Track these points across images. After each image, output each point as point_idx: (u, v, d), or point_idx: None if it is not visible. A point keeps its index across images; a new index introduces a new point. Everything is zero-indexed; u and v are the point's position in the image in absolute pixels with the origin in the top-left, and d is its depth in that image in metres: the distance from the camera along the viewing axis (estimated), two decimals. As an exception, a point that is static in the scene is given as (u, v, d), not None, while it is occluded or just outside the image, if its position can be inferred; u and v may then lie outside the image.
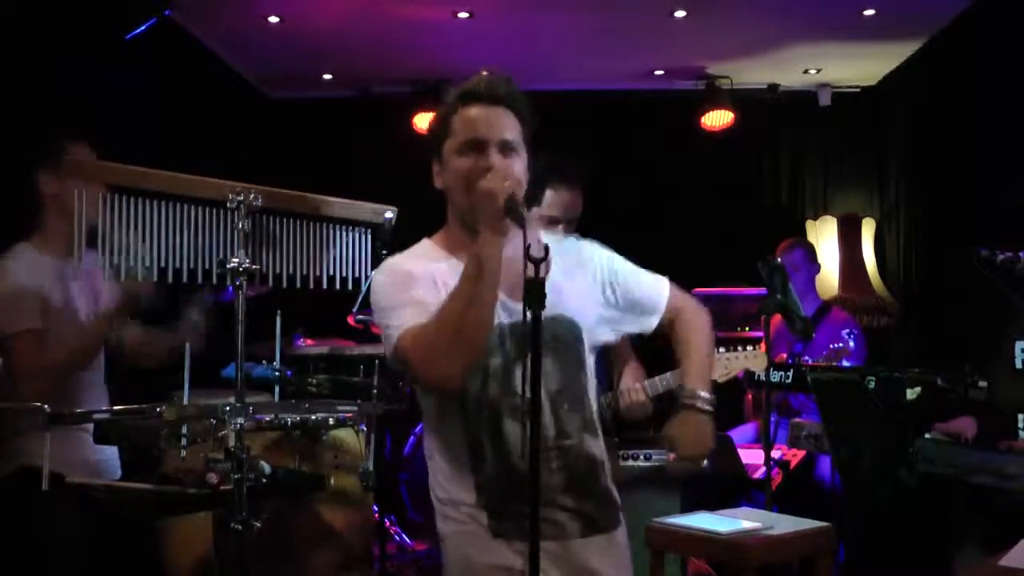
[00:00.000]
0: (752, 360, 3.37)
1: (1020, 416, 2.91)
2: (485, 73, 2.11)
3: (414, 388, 2.11)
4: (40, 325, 2.96)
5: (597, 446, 2.13)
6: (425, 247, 2.16)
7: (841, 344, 4.11)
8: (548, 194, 3.18)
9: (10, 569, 2.93)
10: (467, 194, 2.00)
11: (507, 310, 2.01)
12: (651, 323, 2.28)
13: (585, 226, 3.32)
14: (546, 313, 1.95)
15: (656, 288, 2.30)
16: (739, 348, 3.39)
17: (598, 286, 2.21)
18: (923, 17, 5.30)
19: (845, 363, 4.10)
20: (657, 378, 3.32)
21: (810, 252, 5.08)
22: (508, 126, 2.07)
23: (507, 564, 1.98)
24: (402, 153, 6.43)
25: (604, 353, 3.44)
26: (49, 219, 3.06)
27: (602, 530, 2.10)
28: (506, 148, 2.05)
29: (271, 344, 2.94)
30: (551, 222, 3.23)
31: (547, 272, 2.05)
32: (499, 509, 2.00)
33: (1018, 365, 2.95)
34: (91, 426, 2.93)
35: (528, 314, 1.75)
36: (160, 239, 2.37)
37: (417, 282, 2.03)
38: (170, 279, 2.41)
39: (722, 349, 3.37)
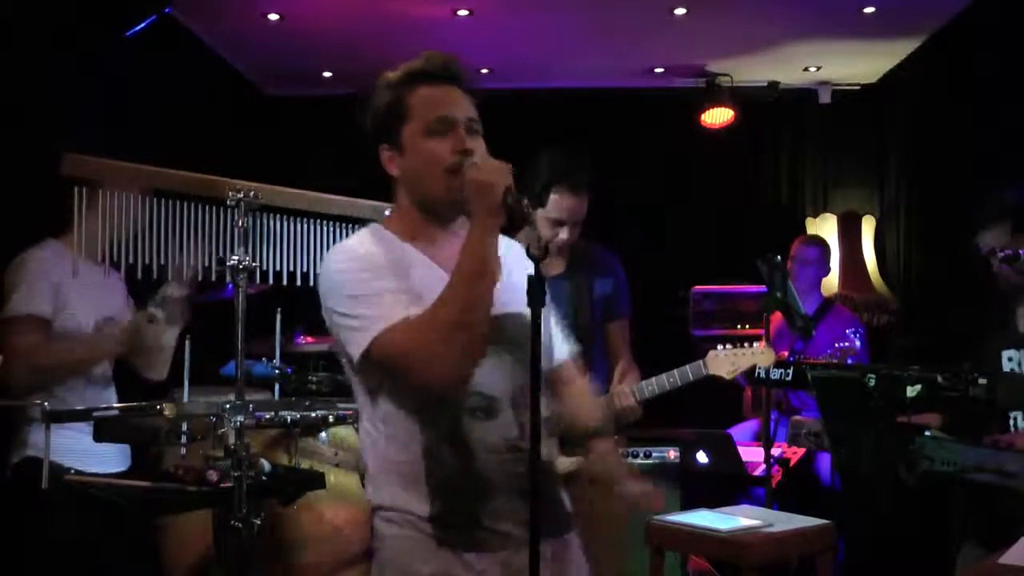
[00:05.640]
0: (759, 356, 3.36)
1: (1013, 415, 2.92)
2: (431, 53, 1.98)
3: (366, 388, 1.95)
4: (48, 316, 2.97)
5: (547, 446, 1.95)
6: (376, 232, 2.00)
7: (847, 344, 4.10)
8: (553, 197, 3.18)
9: (10, 564, 2.93)
10: (444, 180, 1.89)
11: None
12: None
13: (585, 224, 3.33)
14: (504, 310, 1.89)
15: (562, 337, 2.16)
16: (745, 344, 3.38)
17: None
18: (923, 15, 5.29)
19: (851, 362, 4.09)
20: (644, 382, 3.32)
21: (826, 253, 5.10)
22: (468, 105, 1.96)
23: (450, 574, 1.86)
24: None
25: (605, 354, 3.45)
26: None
27: (546, 535, 1.85)
28: (472, 128, 1.94)
29: (271, 341, 2.94)
30: (556, 224, 3.23)
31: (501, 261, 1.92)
32: (449, 519, 1.87)
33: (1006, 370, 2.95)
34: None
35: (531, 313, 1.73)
36: (160, 236, 2.37)
37: (386, 269, 1.89)
38: (169, 277, 2.42)
39: (728, 345, 3.37)
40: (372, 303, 1.85)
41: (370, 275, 1.88)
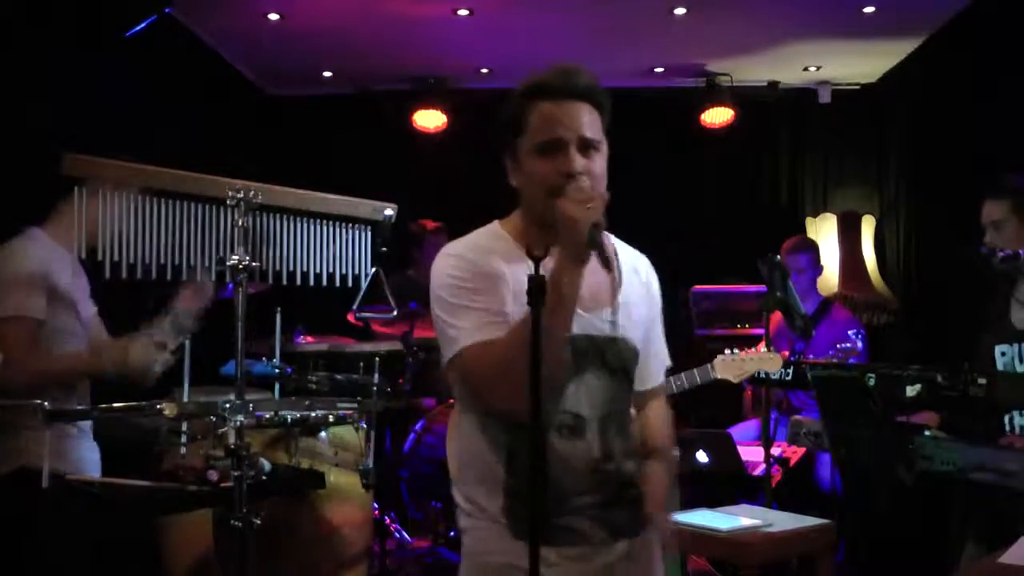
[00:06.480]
0: (767, 362, 3.37)
1: (1010, 414, 2.92)
2: (559, 66, 1.97)
3: (457, 387, 2.03)
4: (42, 316, 2.93)
5: (633, 464, 2.03)
6: (498, 238, 2.02)
7: (849, 344, 4.10)
8: None
9: (10, 569, 2.93)
10: (547, 200, 1.88)
11: (577, 322, 1.90)
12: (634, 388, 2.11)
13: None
14: (614, 333, 1.97)
15: (661, 362, 2.17)
16: (753, 349, 3.40)
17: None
18: (923, 15, 5.30)
19: (852, 362, 4.09)
20: (671, 378, 3.33)
21: (815, 256, 5.04)
22: (587, 121, 1.93)
23: (522, 565, 1.86)
24: (402, 150, 6.49)
25: None
26: (66, 209, 2.84)
27: (627, 534, 1.99)
28: (586, 146, 1.92)
29: (271, 341, 2.94)
30: None
31: (620, 283, 2.02)
32: (523, 513, 1.88)
33: (1000, 368, 2.95)
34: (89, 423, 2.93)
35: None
36: (160, 236, 2.37)
37: (494, 284, 1.92)
38: (169, 276, 2.42)
39: (736, 351, 3.38)
40: (466, 317, 1.91)
41: (472, 287, 1.92)
